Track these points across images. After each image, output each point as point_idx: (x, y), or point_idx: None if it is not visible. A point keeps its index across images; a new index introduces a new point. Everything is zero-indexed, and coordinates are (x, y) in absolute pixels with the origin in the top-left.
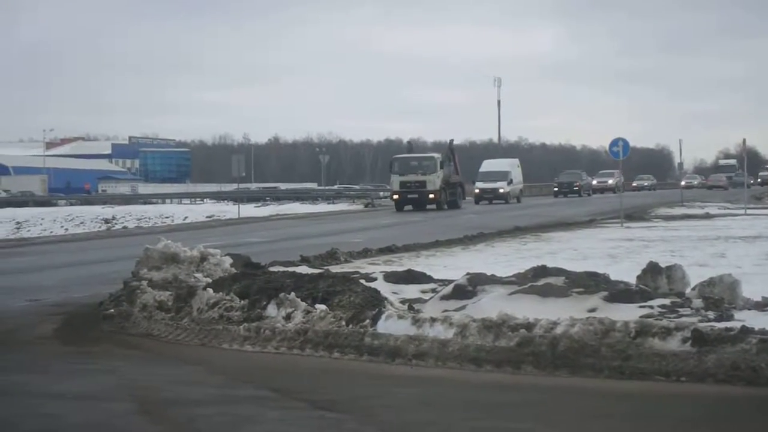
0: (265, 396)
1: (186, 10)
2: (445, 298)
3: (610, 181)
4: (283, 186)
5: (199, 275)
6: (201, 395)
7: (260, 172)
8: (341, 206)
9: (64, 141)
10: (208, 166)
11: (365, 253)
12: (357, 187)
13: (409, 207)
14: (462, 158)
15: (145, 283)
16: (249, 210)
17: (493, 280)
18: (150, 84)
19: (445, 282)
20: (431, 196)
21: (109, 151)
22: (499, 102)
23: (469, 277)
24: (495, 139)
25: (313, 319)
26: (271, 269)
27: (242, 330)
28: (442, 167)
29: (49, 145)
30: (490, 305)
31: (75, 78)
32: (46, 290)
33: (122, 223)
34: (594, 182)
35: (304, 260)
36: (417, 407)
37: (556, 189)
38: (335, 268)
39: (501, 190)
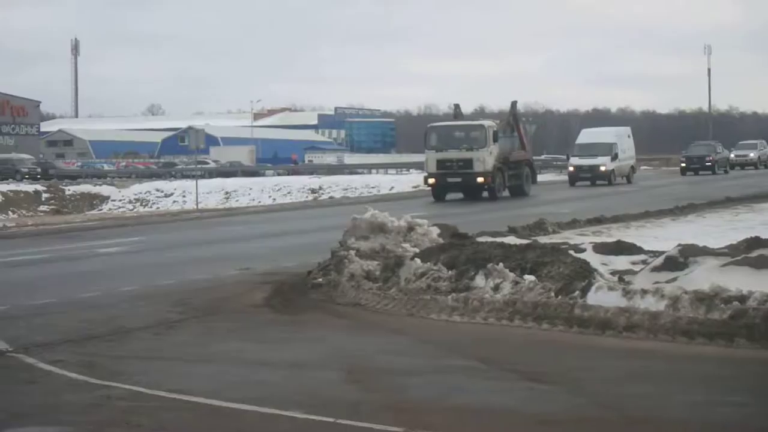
0: (474, 366)
1: None
2: (656, 269)
3: (752, 154)
4: None
5: (406, 245)
6: (410, 365)
7: None
8: (548, 176)
9: (271, 112)
10: (413, 136)
11: (573, 224)
12: (564, 157)
13: (458, 195)
14: (670, 128)
15: (352, 252)
16: None
17: (705, 251)
18: (357, 54)
19: (655, 253)
20: (479, 179)
21: (315, 122)
22: (709, 70)
23: (681, 248)
24: (705, 108)
25: (521, 290)
26: (479, 239)
27: (450, 300)
28: (496, 140)
29: (257, 116)
30: (702, 277)
31: (283, 49)
32: (255, 259)
33: (329, 193)
34: (732, 155)
35: (512, 231)
36: (629, 380)
37: (683, 164)
38: (543, 239)
39: (602, 168)
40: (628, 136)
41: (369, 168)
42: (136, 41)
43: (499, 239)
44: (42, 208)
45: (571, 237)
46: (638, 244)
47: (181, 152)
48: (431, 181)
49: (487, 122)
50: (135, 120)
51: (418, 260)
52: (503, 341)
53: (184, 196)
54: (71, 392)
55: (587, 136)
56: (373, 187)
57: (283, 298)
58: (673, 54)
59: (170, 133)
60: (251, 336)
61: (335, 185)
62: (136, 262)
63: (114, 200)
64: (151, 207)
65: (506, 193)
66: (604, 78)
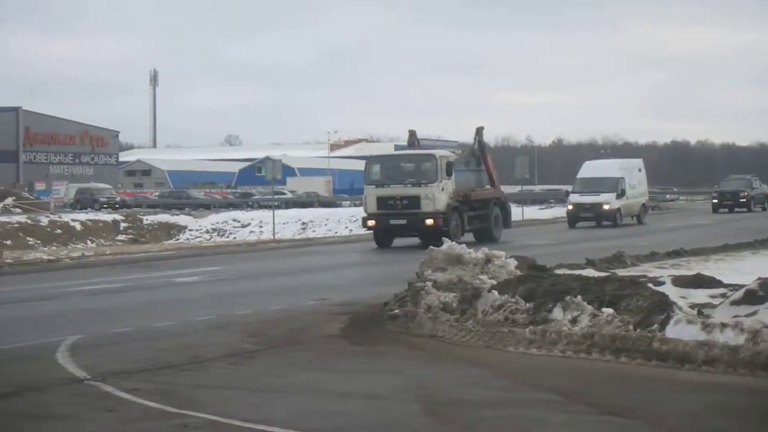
0: (552, 399)
1: (468, 14)
2: (735, 303)
3: None
4: (567, 188)
5: (483, 277)
6: (487, 397)
7: (543, 173)
8: None
9: (347, 143)
10: None
11: (652, 257)
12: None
13: (414, 240)
14: (750, 161)
15: (429, 284)
16: (533, 212)
17: None
18: (433, 85)
19: (735, 287)
20: (428, 221)
21: (392, 152)
22: None
23: (761, 281)
24: None
25: (599, 323)
26: (557, 272)
27: (527, 333)
28: (450, 173)
29: (333, 146)
30: None
31: (360, 80)
32: (331, 289)
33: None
34: None
35: (590, 263)
36: (707, 414)
37: (715, 201)
38: (621, 272)
39: (606, 207)
40: (639, 170)
41: None
42: (214, 72)
43: (576, 272)
44: (120, 237)
45: (649, 270)
46: (718, 277)
47: (258, 182)
48: (370, 223)
49: (439, 152)
50: (212, 150)
51: (495, 292)
52: (581, 374)
53: (260, 227)
54: (148, 420)
55: (590, 169)
56: None
57: (359, 329)
58: (755, 86)
59: (247, 164)
60: (327, 367)
61: None
62: (213, 291)
63: (191, 230)
64: (227, 237)
65: (471, 237)
66: (683, 110)
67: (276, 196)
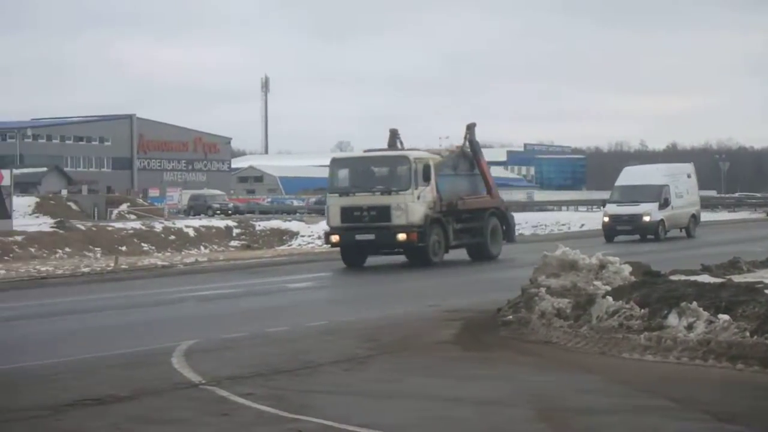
0: (667, 406)
1: (582, 22)
2: None
3: None
4: None
5: (597, 283)
6: (602, 404)
7: None
8: (742, 214)
9: (460, 148)
10: (603, 173)
11: None
12: (758, 195)
13: (397, 259)
14: None
15: (543, 290)
16: None
17: None
18: (545, 92)
19: None
20: (401, 236)
21: (504, 159)
22: None
23: None
24: None
25: (715, 330)
26: (671, 278)
27: (642, 339)
28: (427, 178)
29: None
30: None
31: (472, 87)
32: (442, 295)
33: (518, 230)
34: None
35: (706, 269)
36: None
37: None
38: (737, 278)
39: (646, 219)
40: (688, 176)
41: (559, 205)
42: (325, 77)
43: (692, 278)
44: (233, 243)
45: (766, 276)
46: None
47: None
48: (333, 238)
49: (414, 153)
50: (324, 156)
51: (609, 298)
52: (697, 381)
53: None
54: (262, 425)
55: (629, 176)
56: (563, 225)
57: (471, 335)
58: None
59: None
60: (440, 372)
61: (525, 222)
62: (325, 297)
63: (303, 236)
64: None
65: (462, 254)
66: None
67: None
